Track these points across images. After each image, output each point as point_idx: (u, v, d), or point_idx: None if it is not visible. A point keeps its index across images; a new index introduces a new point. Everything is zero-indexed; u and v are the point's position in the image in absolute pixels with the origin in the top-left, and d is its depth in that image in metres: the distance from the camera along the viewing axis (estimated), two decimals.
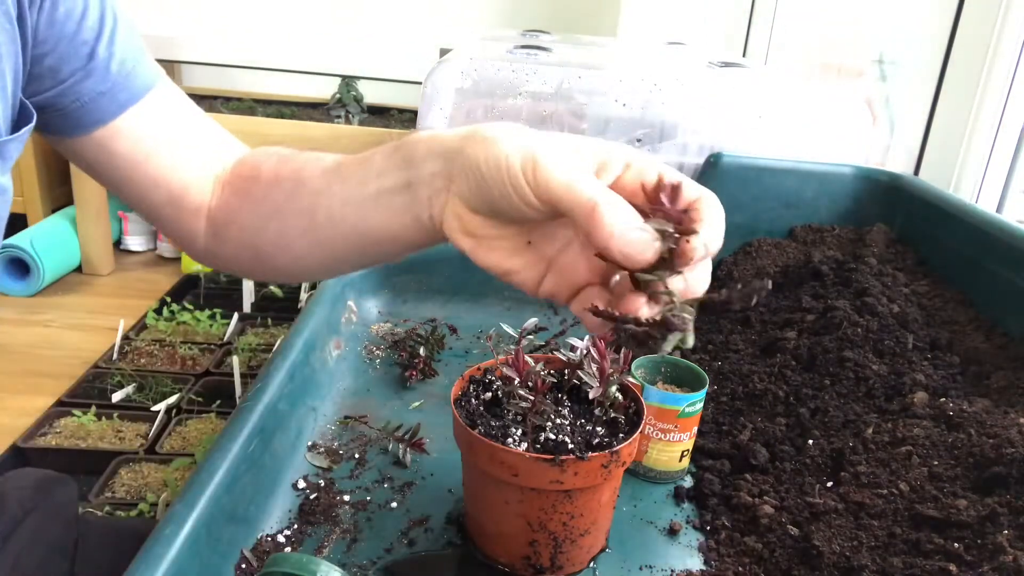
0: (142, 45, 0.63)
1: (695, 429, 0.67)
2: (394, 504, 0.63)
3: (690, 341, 0.42)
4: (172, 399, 1.49)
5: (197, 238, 0.67)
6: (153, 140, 0.63)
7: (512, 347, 0.60)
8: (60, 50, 0.56)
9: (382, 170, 0.53)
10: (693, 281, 0.45)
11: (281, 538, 0.58)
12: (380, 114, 2.55)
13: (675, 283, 0.44)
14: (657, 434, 0.66)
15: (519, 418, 0.56)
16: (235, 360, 1.51)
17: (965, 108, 1.01)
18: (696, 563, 0.59)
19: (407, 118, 2.49)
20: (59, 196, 2.22)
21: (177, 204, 0.65)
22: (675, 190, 0.42)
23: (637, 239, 0.41)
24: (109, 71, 0.59)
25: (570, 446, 0.53)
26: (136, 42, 0.62)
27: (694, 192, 0.44)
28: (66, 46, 0.57)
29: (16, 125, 0.55)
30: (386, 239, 0.55)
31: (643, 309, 0.44)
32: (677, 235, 0.41)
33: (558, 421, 0.56)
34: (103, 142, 0.61)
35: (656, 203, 0.42)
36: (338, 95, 2.46)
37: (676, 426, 0.65)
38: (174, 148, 0.65)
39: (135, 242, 2.38)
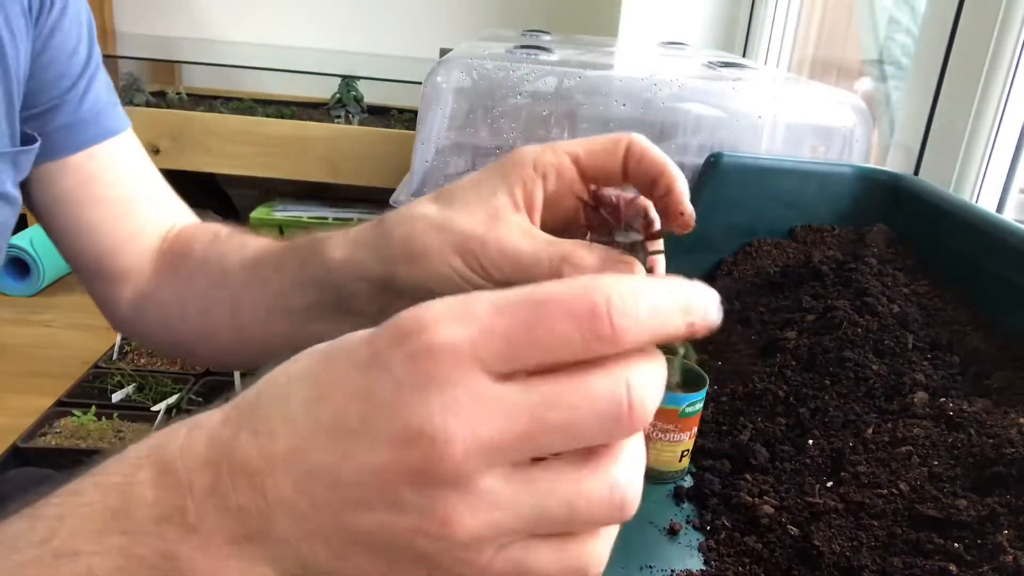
0: (115, 98, 0.62)
1: (695, 429, 0.67)
2: None
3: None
4: (172, 399, 1.49)
5: (118, 304, 0.63)
6: (100, 188, 0.61)
7: None
8: (48, 75, 0.56)
9: (303, 283, 0.51)
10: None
11: None
12: (380, 114, 2.55)
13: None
14: (657, 434, 0.66)
15: None
16: None
17: (965, 108, 1.01)
18: (696, 563, 0.59)
19: (407, 118, 2.49)
20: None
21: (103, 262, 0.62)
22: (617, 203, 0.40)
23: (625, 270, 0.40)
24: (80, 107, 0.59)
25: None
26: (111, 93, 0.61)
27: (618, 157, 0.42)
28: (54, 72, 0.57)
29: (23, 139, 0.56)
30: (325, 339, 0.54)
31: None
32: (644, 237, 0.40)
33: None
34: (50, 176, 0.59)
35: (608, 214, 0.40)
36: (338, 95, 2.45)
37: (676, 426, 0.65)
38: (116, 203, 0.62)
39: None
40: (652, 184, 0.42)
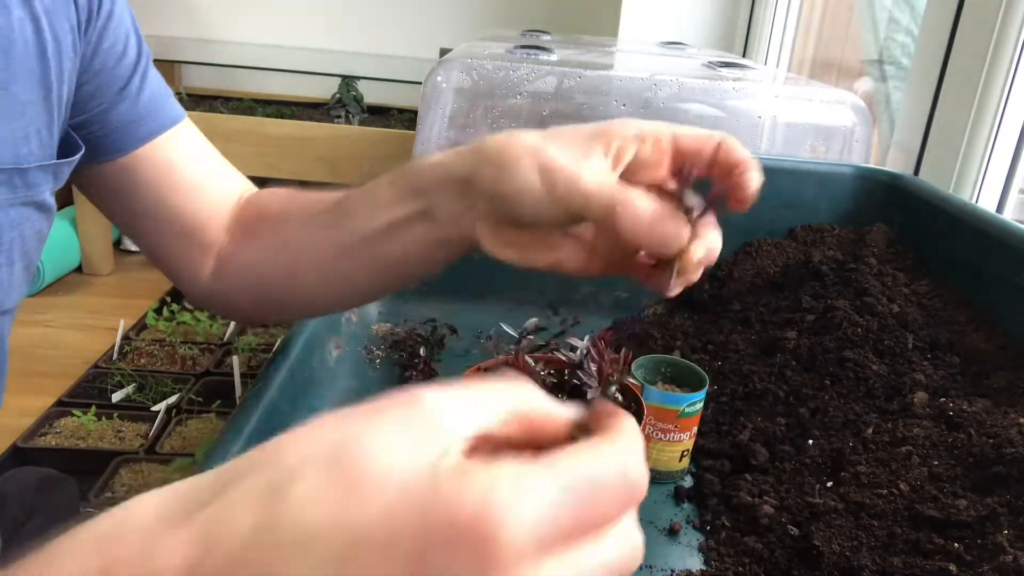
0: (167, 88, 0.65)
1: (695, 429, 0.67)
2: None
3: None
4: (172, 399, 1.49)
5: (201, 276, 0.66)
6: (177, 173, 0.64)
7: (512, 347, 0.60)
8: (100, 80, 0.59)
9: (390, 201, 0.54)
10: (714, 243, 0.47)
11: None
12: (380, 114, 2.55)
13: (697, 250, 0.46)
14: (657, 434, 0.66)
15: None
16: (235, 360, 1.51)
17: (965, 108, 1.01)
18: (696, 563, 0.59)
19: (407, 118, 2.49)
20: (59, 196, 2.22)
21: (190, 239, 0.65)
22: (689, 169, 0.46)
23: (663, 231, 0.44)
24: (139, 102, 0.61)
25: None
26: (163, 83, 0.64)
27: (710, 147, 0.46)
28: (106, 76, 0.59)
29: (62, 151, 0.57)
30: (406, 264, 0.57)
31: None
32: (706, 205, 0.45)
33: None
34: (126, 170, 0.62)
35: (681, 179, 0.46)
36: (338, 95, 2.46)
37: (676, 426, 0.65)
38: (195, 183, 0.65)
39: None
40: (729, 173, 0.47)
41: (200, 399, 1.50)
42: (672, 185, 0.46)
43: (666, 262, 0.46)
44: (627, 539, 0.26)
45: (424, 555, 0.23)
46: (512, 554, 0.23)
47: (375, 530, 0.23)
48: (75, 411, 1.43)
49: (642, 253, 0.50)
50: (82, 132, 0.59)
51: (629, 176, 0.46)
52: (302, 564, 0.23)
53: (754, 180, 0.46)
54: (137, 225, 0.66)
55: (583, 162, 0.45)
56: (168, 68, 2.78)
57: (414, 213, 0.53)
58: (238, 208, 0.68)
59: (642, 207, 0.43)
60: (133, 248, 2.39)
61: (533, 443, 0.27)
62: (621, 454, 0.26)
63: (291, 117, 2.40)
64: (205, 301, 0.70)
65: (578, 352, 0.59)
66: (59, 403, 1.47)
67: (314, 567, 0.23)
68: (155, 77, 0.63)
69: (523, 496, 0.23)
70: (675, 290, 0.47)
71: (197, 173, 0.66)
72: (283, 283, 0.63)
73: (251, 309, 0.69)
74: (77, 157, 0.57)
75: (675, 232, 0.44)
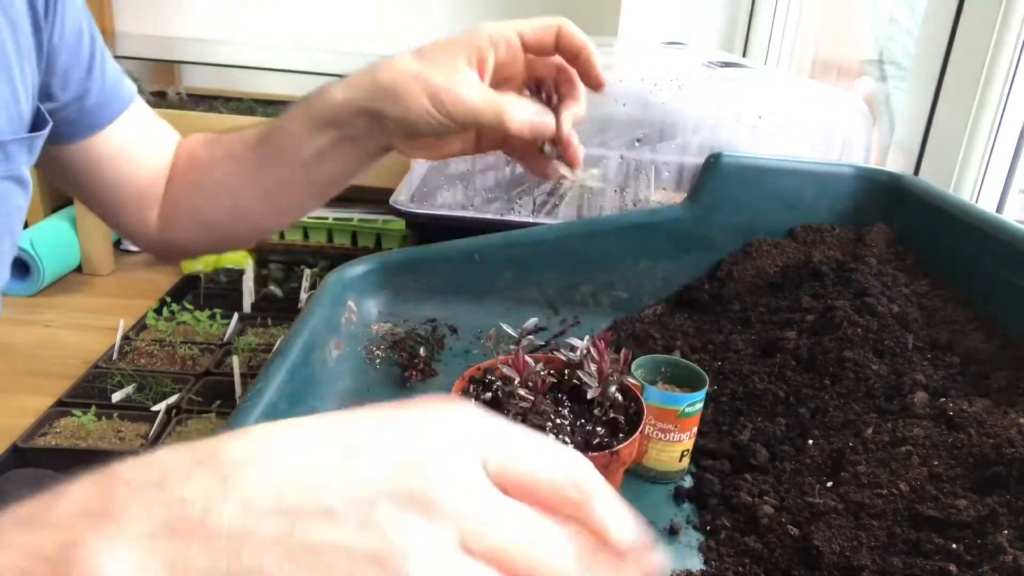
0: (118, 66, 0.71)
1: (695, 429, 0.67)
2: None
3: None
4: (172, 399, 1.49)
5: (150, 227, 0.74)
6: (135, 144, 0.72)
7: (512, 347, 0.60)
8: (69, 60, 0.63)
9: (310, 132, 0.63)
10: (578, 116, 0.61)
11: None
12: None
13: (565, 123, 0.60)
14: (657, 434, 0.66)
15: (519, 418, 0.56)
16: (235, 360, 1.51)
17: (965, 108, 1.01)
18: (696, 563, 0.59)
19: None
20: (59, 196, 2.22)
21: (143, 198, 0.73)
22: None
23: (540, 122, 0.58)
24: (104, 83, 0.67)
25: (570, 446, 0.53)
26: (114, 62, 0.70)
27: (551, 36, 0.59)
28: (72, 57, 0.63)
29: (33, 127, 0.60)
30: (341, 177, 0.67)
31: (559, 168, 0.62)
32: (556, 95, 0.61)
33: (558, 421, 0.56)
34: (93, 147, 0.68)
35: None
36: None
37: (676, 426, 0.65)
38: (148, 150, 0.73)
39: None
40: (575, 57, 0.60)
41: (200, 399, 1.49)
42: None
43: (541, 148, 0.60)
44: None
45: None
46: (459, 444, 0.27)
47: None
48: (75, 411, 1.43)
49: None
50: (59, 116, 0.64)
51: (495, 77, 0.59)
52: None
53: (596, 61, 0.60)
54: (96, 195, 0.72)
55: (459, 80, 0.56)
56: (168, 68, 2.78)
57: (336, 139, 0.63)
58: (174, 157, 0.75)
59: (520, 111, 0.57)
60: (133, 248, 2.38)
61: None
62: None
63: None
64: (157, 249, 0.78)
65: (578, 352, 0.59)
66: (59, 403, 1.47)
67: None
68: (109, 58, 0.68)
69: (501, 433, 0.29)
70: (559, 172, 0.61)
71: (148, 140, 0.74)
72: (228, 219, 0.72)
73: (200, 246, 0.78)
74: (47, 131, 0.61)
75: (549, 121, 0.58)
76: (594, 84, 0.61)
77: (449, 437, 0.27)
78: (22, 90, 0.57)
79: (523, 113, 0.57)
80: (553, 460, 0.28)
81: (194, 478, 0.26)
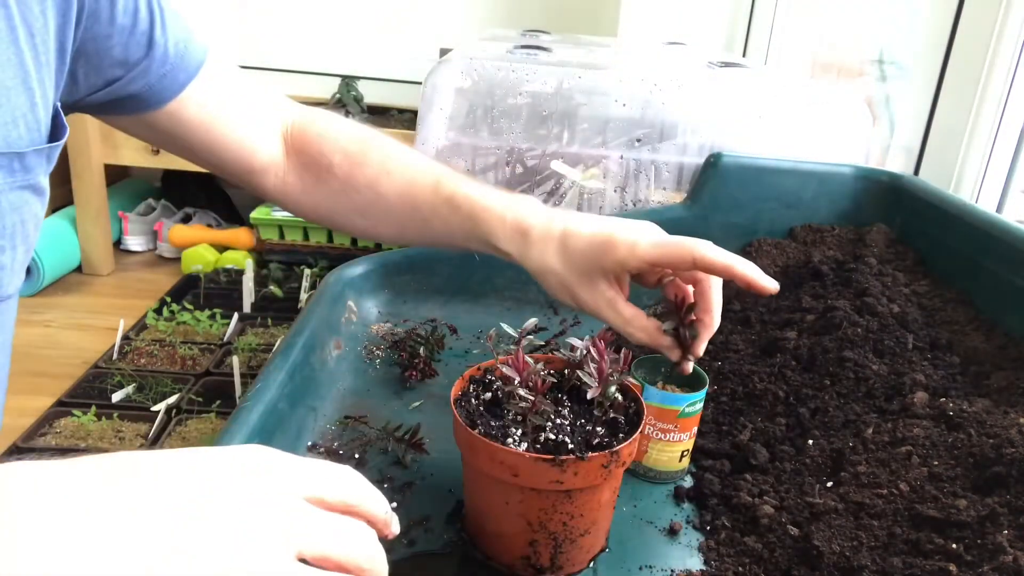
0: (188, 24, 0.70)
1: (695, 429, 0.67)
2: (394, 504, 0.63)
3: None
4: (172, 399, 1.49)
5: (269, 192, 0.77)
6: (216, 106, 0.71)
7: (512, 347, 0.60)
8: (124, 42, 0.63)
9: (465, 237, 0.69)
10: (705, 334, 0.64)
11: None
12: (380, 114, 2.55)
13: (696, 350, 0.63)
14: (657, 434, 0.66)
15: (519, 418, 0.56)
16: (235, 360, 1.51)
17: (965, 108, 1.01)
18: (696, 563, 0.59)
19: (407, 118, 2.49)
20: (59, 196, 2.22)
21: (246, 163, 0.74)
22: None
23: (659, 345, 0.62)
24: (168, 54, 0.66)
25: (570, 446, 0.53)
26: (182, 23, 0.69)
27: (685, 260, 0.60)
28: (127, 38, 0.63)
29: (52, 133, 0.60)
30: (472, 247, 0.71)
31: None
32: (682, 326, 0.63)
33: (558, 421, 0.56)
34: (173, 114, 0.69)
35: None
36: (338, 95, 2.46)
37: (676, 426, 0.65)
38: (235, 111, 0.73)
39: (135, 242, 2.38)
40: (726, 275, 0.61)
41: (200, 399, 1.49)
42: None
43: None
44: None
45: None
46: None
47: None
48: (75, 411, 1.43)
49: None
50: (131, 92, 0.65)
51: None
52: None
53: (756, 278, 0.61)
54: (197, 156, 0.74)
55: (598, 300, 0.62)
56: None
57: (486, 250, 0.69)
58: (290, 134, 0.76)
59: (643, 334, 0.61)
60: (133, 248, 2.38)
61: None
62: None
63: None
64: (277, 203, 0.80)
65: (578, 352, 0.59)
66: (59, 403, 1.47)
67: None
68: (173, 23, 0.67)
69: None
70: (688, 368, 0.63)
71: (237, 103, 0.73)
72: (358, 231, 0.77)
73: (321, 223, 0.81)
74: (64, 140, 0.61)
75: (663, 345, 0.62)
76: (767, 291, 0.61)
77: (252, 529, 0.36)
78: (40, 96, 0.57)
79: (645, 337, 0.61)
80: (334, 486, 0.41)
81: None
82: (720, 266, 0.59)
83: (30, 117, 0.56)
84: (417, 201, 0.71)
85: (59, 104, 0.60)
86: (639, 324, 0.61)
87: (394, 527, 0.44)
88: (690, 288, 0.63)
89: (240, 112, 0.73)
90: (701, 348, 0.62)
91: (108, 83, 0.63)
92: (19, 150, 0.56)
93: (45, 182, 0.60)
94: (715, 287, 0.62)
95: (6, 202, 0.55)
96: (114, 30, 0.62)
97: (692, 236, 0.59)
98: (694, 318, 0.62)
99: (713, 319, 0.62)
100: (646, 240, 0.60)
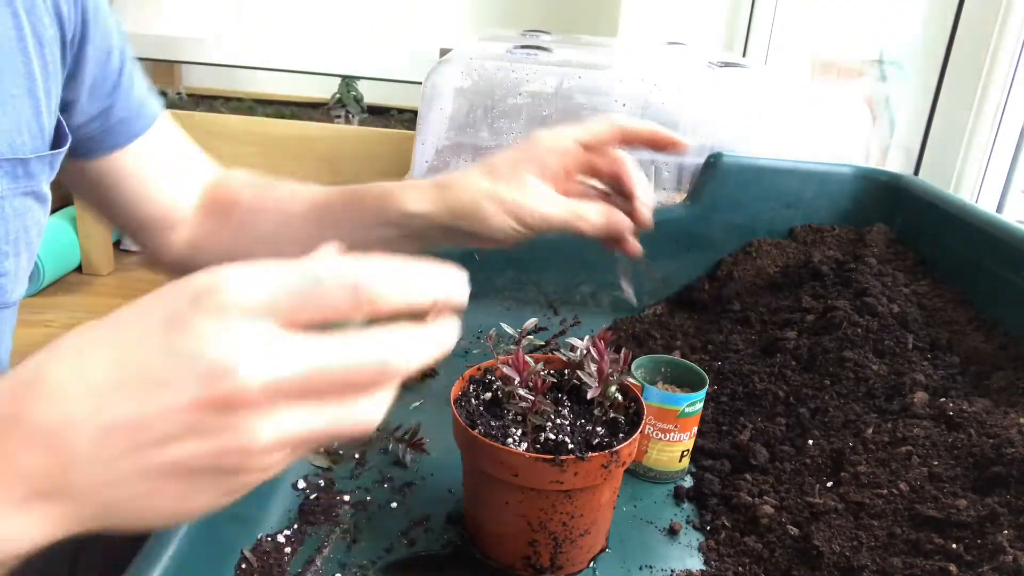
0: (147, 83, 0.71)
1: (695, 429, 0.67)
2: (394, 504, 0.63)
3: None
4: None
5: (171, 249, 0.74)
6: (158, 162, 0.71)
7: (512, 347, 0.60)
8: (96, 73, 0.64)
9: (373, 227, 0.64)
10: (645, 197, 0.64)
11: (281, 538, 0.58)
12: (380, 114, 2.55)
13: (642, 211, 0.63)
14: (657, 434, 0.66)
15: (519, 418, 0.56)
16: None
17: (965, 108, 1.01)
18: (696, 563, 0.59)
19: (407, 118, 2.49)
20: (59, 197, 2.22)
21: (165, 219, 0.73)
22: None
23: (615, 222, 0.61)
24: (130, 99, 0.67)
25: (570, 446, 0.53)
26: (143, 80, 0.70)
27: (611, 136, 0.62)
28: (99, 71, 0.64)
29: (54, 142, 0.61)
30: (387, 235, 0.66)
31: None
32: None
33: (558, 421, 0.56)
34: (116, 163, 0.69)
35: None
36: (338, 95, 2.46)
37: (676, 426, 0.65)
38: (173, 170, 0.73)
39: None
40: (649, 142, 0.63)
41: None
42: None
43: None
44: (371, 407, 0.33)
45: (175, 317, 0.31)
46: (240, 312, 0.31)
47: (132, 319, 0.33)
48: None
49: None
50: (84, 130, 0.64)
51: (557, 181, 0.61)
52: (76, 369, 0.32)
53: (667, 132, 0.63)
54: (116, 210, 0.72)
55: (533, 194, 0.59)
56: (168, 68, 2.78)
57: (401, 236, 0.64)
58: (208, 189, 0.75)
59: (595, 215, 0.60)
60: (133, 248, 2.38)
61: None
62: (352, 267, 0.33)
63: (291, 117, 2.39)
64: (178, 270, 0.76)
65: (578, 352, 0.59)
66: None
67: (93, 365, 0.32)
68: (138, 76, 0.69)
69: (246, 276, 0.32)
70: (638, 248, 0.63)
71: (174, 162, 0.73)
72: (254, 251, 0.70)
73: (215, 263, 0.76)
74: (66, 147, 0.61)
75: (621, 223, 0.61)
76: (679, 149, 0.63)
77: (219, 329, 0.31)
78: (44, 105, 0.58)
79: (595, 217, 0.60)
80: (328, 286, 0.32)
81: (30, 451, 0.30)
82: (643, 130, 0.62)
83: (34, 125, 0.57)
84: (327, 206, 0.69)
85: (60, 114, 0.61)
86: (587, 208, 0.60)
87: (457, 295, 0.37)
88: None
89: (174, 168, 0.73)
90: (647, 213, 0.62)
91: (70, 113, 0.63)
92: (23, 156, 0.56)
93: (47, 189, 0.61)
94: (632, 164, 0.63)
95: (10, 208, 0.56)
96: (92, 60, 0.63)
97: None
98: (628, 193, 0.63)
99: (641, 186, 0.63)
100: (568, 128, 0.61)
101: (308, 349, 0.31)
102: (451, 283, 0.37)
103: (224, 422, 0.30)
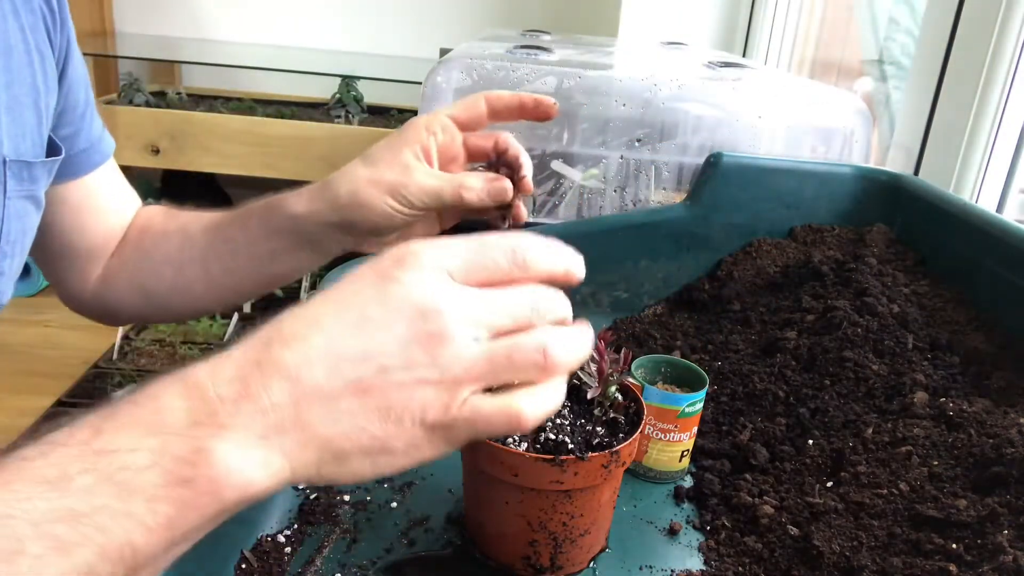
0: (101, 121, 0.74)
1: (695, 429, 0.67)
2: (394, 504, 0.63)
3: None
4: None
5: (88, 285, 0.76)
6: (103, 197, 0.74)
7: None
8: (71, 98, 0.66)
9: (266, 237, 0.66)
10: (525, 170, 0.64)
11: (281, 538, 0.58)
12: (380, 114, 2.55)
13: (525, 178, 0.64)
14: (657, 434, 0.66)
15: None
16: None
17: (965, 108, 1.01)
18: (696, 563, 0.59)
19: (407, 118, 2.48)
20: None
21: (90, 254, 0.74)
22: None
23: (497, 187, 0.61)
24: (92, 131, 0.70)
25: (570, 446, 0.53)
26: (99, 118, 0.72)
27: (480, 107, 0.63)
28: (73, 97, 0.67)
29: (49, 152, 0.64)
30: (291, 274, 0.69)
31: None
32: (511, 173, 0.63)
33: (558, 421, 0.56)
34: (69, 191, 0.70)
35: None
36: (338, 95, 2.45)
37: (676, 426, 0.65)
38: (109, 206, 0.75)
39: None
40: (513, 110, 0.64)
41: None
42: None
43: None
44: (537, 338, 0.39)
45: (383, 274, 0.38)
46: (432, 269, 0.38)
47: (350, 281, 0.39)
48: (75, 411, 1.43)
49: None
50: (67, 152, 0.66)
51: (440, 161, 0.63)
52: (309, 321, 0.38)
53: (525, 97, 0.63)
54: (47, 242, 0.72)
55: (412, 171, 0.60)
56: (168, 68, 2.78)
57: (294, 244, 0.65)
58: (133, 221, 0.77)
59: (475, 181, 0.61)
60: None
61: None
62: (512, 236, 0.40)
63: (291, 117, 2.39)
64: (88, 309, 0.79)
65: None
66: (59, 403, 1.47)
67: (323, 317, 0.38)
68: (96, 112, 0.71)
69: (431, 245, 0.39)
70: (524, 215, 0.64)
71: (112, 198, 0.75)
72: (167, 292, 0.73)
73: (134, 314, 0.79)
74: (63, 155, 0.64)
75: (504, 186, 0.61)
76: (542, 114, 0.64)
77: (416, 287, 0.37)
78: (45, 117, 0.61)
79: (478, 183, 0.61)
80: (493, 252, 0.39)
81: (271, 387, 0.35)
82: (509, 98, 0.63)
83: (36, 134, 0.60)
84: (221, 225, 0.71)
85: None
86: (469, 177, 0.61)
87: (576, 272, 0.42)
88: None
89: (114, 203, 0.75)
90: (529, 182, 0.63)
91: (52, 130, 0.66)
92: (29, 160, 0.59)
93: (43, 195, 0.63)
94: (512, 138, 0.64)
95: (12, 209, 0.59)
96: (71, 84, 0.66)
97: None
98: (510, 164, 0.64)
99: (524, 155, 0.63)
100: (442, 108, 0.63)
101: (491, 294, 0.38)
102: (574, 259, 0.42)
103: (427, 355, 0.36)
